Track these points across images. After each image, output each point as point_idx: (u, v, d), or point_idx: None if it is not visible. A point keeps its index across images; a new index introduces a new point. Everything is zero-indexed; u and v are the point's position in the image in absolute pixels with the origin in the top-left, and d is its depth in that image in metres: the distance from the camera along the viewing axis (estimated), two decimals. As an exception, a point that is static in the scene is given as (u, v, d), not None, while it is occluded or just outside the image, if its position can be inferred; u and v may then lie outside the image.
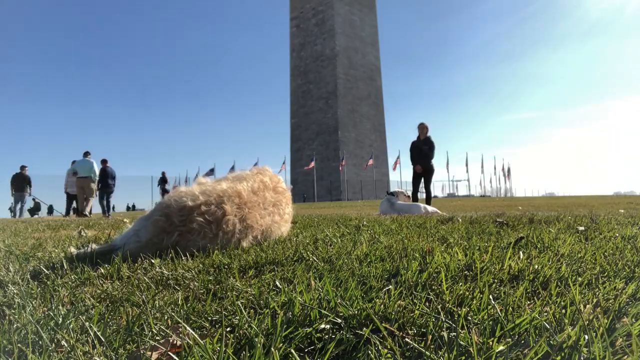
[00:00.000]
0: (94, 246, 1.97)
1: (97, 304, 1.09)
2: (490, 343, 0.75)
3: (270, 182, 2.39)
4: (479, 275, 1.25)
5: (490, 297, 0.99)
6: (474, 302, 1.00)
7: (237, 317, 0.91)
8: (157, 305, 1.05)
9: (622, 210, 5.66)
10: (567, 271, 1.29)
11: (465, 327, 0.85)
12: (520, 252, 1.59)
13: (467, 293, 1.07)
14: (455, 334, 0.80)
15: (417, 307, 0.95)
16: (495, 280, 1.23)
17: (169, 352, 0.75)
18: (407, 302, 0.99)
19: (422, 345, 0.78)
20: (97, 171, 12.72)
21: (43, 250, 2.22)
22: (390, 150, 65.41)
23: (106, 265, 1.56)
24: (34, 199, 22.22)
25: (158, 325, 0.89)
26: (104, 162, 13.43)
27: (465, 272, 1.32)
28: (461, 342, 0.76)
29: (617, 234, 2.20)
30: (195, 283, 1.29)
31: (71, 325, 0.88)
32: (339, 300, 0.97)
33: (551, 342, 0.75)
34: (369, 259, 1.57)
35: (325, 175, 55.79)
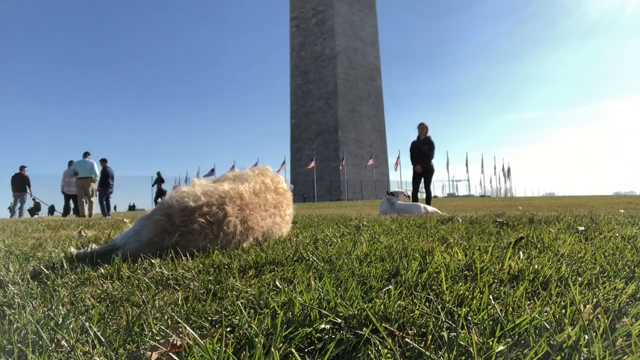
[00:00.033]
0: (94, 246, 1.97)
1: (97, 304, 1.09)
2: (490, 343, 0.75)
3: (271, 183, 2.39)
4: (479, 275, 1.25)
5: (490, 297, 0.99)
6: (474, 302, 1.00)
7: (237, 317, 0.91)
8: (157, 305, 1.05)
9: (622, 210, 5.66)
10: (567, 271, 1.29)
11: (465, 327, 0.85)
12: (520, 252, 1.59)
13: (467, 293, 1.07)
14: (455, 334, 0.80)
15: (417, 307, 0.95)
16: (495, 280, 1.23)
17: (169, 352, 0.75)
18: (407, 302, 0.99)
19: (422, 345, 0.78)
20: (98, 172, 12.75)
21: (43, 250, 2.22)
22: (390, 150, 65.42)
23: (106, 265, 1.56)
24: (34, 199, 22.22)
25: (158, 325, 0.89)
26: (103, 161, 13.43)
27: (465, 272, 1.32)
28: (461, 342, 0.76)
29: (617, 234, 2.20)
30: (195, 283, 1.30)
31: (71, 325, 0.88)
32: (339, 300, 0.97)
33: (551, 342, 0.75)
34: (369, 259, 1.57)
35: (325, 175, 55.79)
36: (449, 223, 3.31)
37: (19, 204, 14.50)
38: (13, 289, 1.24)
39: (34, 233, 3.88)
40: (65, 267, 1.57)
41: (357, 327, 0.86)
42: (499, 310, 0.91)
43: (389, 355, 0.75)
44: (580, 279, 1.22)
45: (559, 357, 0.72)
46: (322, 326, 0.86)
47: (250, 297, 1.09)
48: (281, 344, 0.77)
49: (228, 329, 0.88)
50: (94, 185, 12.64)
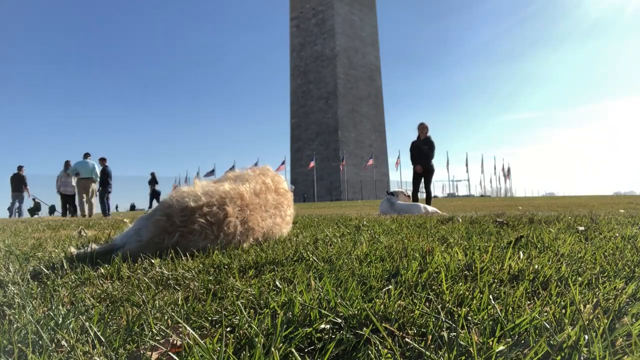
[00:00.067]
0: (94, 246, 1.97)
1: (97, 304, 1.09)
2: (490, 343, 0.75)
3: (272, 183, 2.39)
4: (479, 275, 1.25)
5: (490, 297, 0.99)
6: (474, 302, 1.00)
7: (237, 317, 0.91)
8: (157, 305, 1.05)
9: (622, 210, 5.66)
10: (567, 271, 1.29)
11: (465, 327, 0.85)
12: (520, 252, 1.59)
13: (467, 293, 1.07)
14: (455, 334, 0.80)
15: (417, 307, 0.95)
16: (495, 280, 1.23)
17: (169, 352, 0.75)
18: (407, 302, 0.99)
19: (422, 345, 0.78)
20: (99, 172, 12.81)
21: (43, 250, 2.22)
22: (390, 150, 65.45)
23: (106, 265, 1.56)
24: (34, 199, 22.21)
25: (158, 325, 0.89)
26: (102, 160, 13.45)
27: (465, 272, 1.32)
28: (461, 342, 0.76)
29: (617, 234, 2.20)
30: (195, 283, 1.29)
31: (71, 325, 0.88)
32: (339, 300, 0.97)
33: (551, 342, 0.75)
34: (369, 259, 1.57)
35: (325, 175, 55.79)
36: (449, 223, 3.31)
37: (17, 204, 14.55)
38: (13, 289, 1.24)
39: (34, 233, 3.88)
40: (65, 267, 1.57)
41: (357, 327, 0.86)
42: (499, 310, 0.91)
43: (389, 355, 0.75)
44: (580, 279, 1.22)
45: (559, 357, 0.72)
46: (322, 326, 0.86)
47: (250, 297, 1.09)
48: (281, 344, 0.77)
49: (228, 329, 0.88)
50: (95, 186, 12.70)
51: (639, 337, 0.77)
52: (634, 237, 2.05)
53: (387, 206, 6.83)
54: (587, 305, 0.95)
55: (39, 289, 1.26)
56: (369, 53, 63.37)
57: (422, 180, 8.82)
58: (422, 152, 8.62)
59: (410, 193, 7.81)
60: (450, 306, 0.98)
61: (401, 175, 66.72)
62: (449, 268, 1.34)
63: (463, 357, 0.73)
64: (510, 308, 0.95)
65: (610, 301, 1.00)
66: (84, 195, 12.56)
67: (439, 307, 0.97)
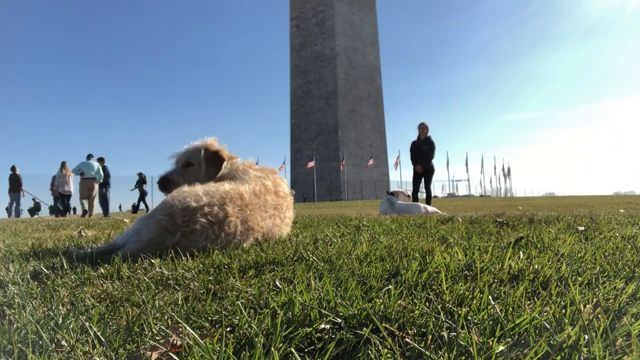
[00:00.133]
0: (94, 246, 1.97)
1: (97, 304, 1.09)
2: (490, 343, 0.75)
3: (272, 185, 2.39)
4: (479, 275, 1.25)
5: (490, 297, 0.99)
6: (474, 302, 1.00)
7: (237, 317, 0.91)
8: (157, 305, 1.05)
9: (622, 210, 5.66)
10: (567, 271, 1.29)
11: (465, 327, 0.85)
12: (520, 252, 1.59)
13: (467, 293, 1.07)
14: (455, 333, 0.80)
15: (417, 307, 0.95)
16: (495, 280, 1.23)
17: (169, 352, 0.75)
18: (407, 302, 0.99)
19: (422, 345, 0.78)
20: (102, 173, 12.92)
21: (43, 250, 2.22)
22: (390, 150, 65.50)
23: (106, 265, 1.56)
24: (34, 199, 22.22)
25: (158, 325, 0.89)
26: (101, 160, 13.50)
27: (465, 272, 1.32)
28: (461, 342, 0.76)
29: (617, 234, 2.20)
30: (195, 283, 1.29)
31: (71, 325, 0.88)
32: (339, 300, 0.97)
33: (551, 342, 0.75)
34: (369, 259, 1.57)
35: (325, 175, 55.81)
36: (449, 223, 3.31)
37: (14, 204, 14.63)
38: (13, 289, 1.24)
39: (34, 233, 3.88)
40: (65, 267, 1.57)
41: (357, 327, 0.86)
42: (499, 310, 0.91)
43: (389, 355, 0.75)
44: (580, 279, 1.22)
45: (559, 357, 0.72)
46: (322, 326, 0.86)
47: (250, 297, 1.09)
48: (281, 344, 0.77)
49: (228, 329, 0.88)
50: (97, 186, 12.78)
51: (638, 337, 0.77)
52: (634, 237, 2.05)
53: (387, 206, 6.83)
54: (587, 305, 0.95)
55: (39, 289, 1.26)
56: (369, 53, 63.38)
57: (422, 180, 8.83)
58: (422, 152, 8.62)
59: (410, 193, 7.81)
60: (450, 306, 0.98)
61: (401, 175, 66.75)
62: (449, 268, 1.34)
63: (463, 357, 0.73)
64: (510, 308, 0.95)
65: (610, 301, 1.00)
66: (86, 195, 12.62)
67: (439, 307, 0.97)
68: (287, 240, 2.25)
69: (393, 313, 0.92)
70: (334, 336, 0.82)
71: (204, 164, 2.48)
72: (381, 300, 0.99)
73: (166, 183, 2.46)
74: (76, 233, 3.50)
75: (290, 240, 2.27)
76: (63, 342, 0.81)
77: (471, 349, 0.73)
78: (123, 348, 0.80)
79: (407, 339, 0.80)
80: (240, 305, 0.98)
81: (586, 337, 0.75)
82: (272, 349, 0.73)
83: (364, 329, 0.84)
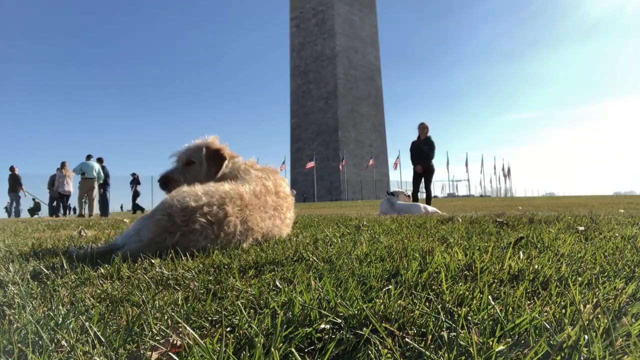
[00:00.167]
0: (94, 246, 1.97)
1: (97, 304, 1.09)
2: (490, 343, 0.75)
3: (272, 186, 2.39)
4: (479, 275, 1.25)
5: (490, 297, 0.99)
6: (474, 302, 1.00)
7: (237, 317, 0.91)
8: (157, 305, 1.05)
9: (622, 210, 5.66)
10: (567, 271, 1.29)
11: (465, 327, 0.85)
12: (520, 252, 1.59)
13: (467, 293, 1.07)
14: (455, 334, 0.80)
15: (417, 307, 0.95)
16: (495, 280, 1.23)
17: (169, 352, 0.75)
18: (407, 302, 0.99)
19: (422, 345, 0.78)
20: (102, 174, 12.97)
21: (43, 250, 2.22)
22: (390, 150, 65.52)
23: (106, 265, 1.56)
24: (34, 199, 22.21)
25: (158, 325, 0.89)
26: (100, 160, 13.54)
27: (465, 272, 1.32)
28: (461, 342, 0.76)
29: (617, 234, 2.20)
30: (195, 283, 1.29)
31: (71, 325, 0.88)
32: (339, 300, 0.97)
33: (551, 342, 0.75)
34: (369, 259, 1.57)
35: (325, 175, 55.81)
36: (449, 223, 3.31)
37: (14, 204, 14.67)
38: (13, 289, 1.23)
39: (34, 233, 3.88)
40: (65, 267, 1.57)
41: (357, 327, 0.86)
42: (499, 310, 0.91)
43: (389, 355, 0.75)
44: (580, 279, 1.22)
45: (559, 357, 0.72)
46: (322, 326, 0.86)
47: (250, 297, 1.09)
48: (281, 344, 0.77)
49: (228, 329, 0.88)
50: (97, 186, 12.83)
51: (638, 337, 0.77)
52: (634, 237, 2.05)
53: (387, 206, 6.83)
54: (587, 305, 0.95)
55: (39, 289, 1.26)
56: (369, 53, 63.38)
57: (422, 180, 8.83)
58: (422, 152, 8.62)
59: (410, 193, 7.82)
60: (450, 306, 0.98)
61: (401, 175, 66.77)
62: (449, 268, 1.34)
63: (463, 357, 0.73)
64: (510, 308, 0.95)
65: (610, 301, 1.00)
66: (86, 195, 12.67)
67: (439, 307, 0.97)
68: (287, 241, 2.25)
69: (393, 313, 0.92)
70: (334, 336, 0.82)
71: (205, 163, 2.48)
72: (381, 301, 0.99)
73: (167, 182, 2.46)
74: (76, 233, 3.50)
75: (290, 240, 2.27)
76: (63, 342, 0.81)
77: (471, 349, 0.73)
78: (123, 348, 0.80)
79: (407, 339, 0.80)
80: (240, 305, 0.98)
81: (586, 337, 0.75)
82: (272, 349, 0.73)
83: (364, 329, 0.84)
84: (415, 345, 0.77)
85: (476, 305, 0.98)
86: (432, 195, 9.17)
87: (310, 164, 46.91)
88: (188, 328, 0.82)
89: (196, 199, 1.96)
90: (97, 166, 12.84)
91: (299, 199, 48.20)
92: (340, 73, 58.09)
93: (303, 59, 62.69)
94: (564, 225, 2.78)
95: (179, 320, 0.91)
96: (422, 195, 9.58)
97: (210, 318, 0.95)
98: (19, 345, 0.78)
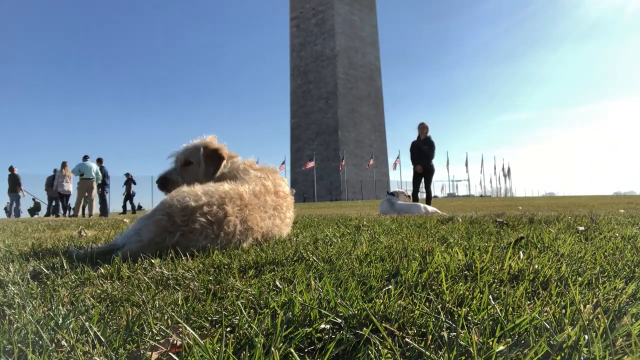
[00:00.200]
0: (94, 246, 1.97)
1: (97, 304, 1.09)
2: (490, 343, 0.75)
3: (272, 186, 2.39)
4: (479, 275, 1.25)
5: (490, 297, 0.99)
6: (474, 302, 1.00)
7: (237, 317, 0.91)
8: (157, 305, 1.05)
9: (622, 210, 5.66)
10: (567, 271, 1.29)
11: (465, 327, 0.85)
12: (520, 252, 1.59)
13: (467, 293, 1.07)
14: (455, 334, 0.80)
15: (417, 307, 0.95)
16: (495, 280, 1.23)
17: (169, 352, 0.75)
18: (407, 302, 0.99)
19: (422, 345, 0.78)
20: (101, 174, 13.00)
21: (43, 250, 2.22)
22: (390, 150, 65.54)
23: (106, 265, 1.56)
24: (34, 199, 22.22)
25: (158, 325, 0.89)
26: (99, 161, 13.56)
27: (465, 272, 1.32)
28: (461, 342, 0.76)
29: (617, 234, 2.20)
30: (195, 283, 1.29)
31: (71, 325, 0.88)
32: (339, 300, 0.97)
33: (551, 342, 0.75)
34: (369, 259, 1.57)
35: (325, 175, 55.82)
36: (449, 223, 3.31)
37: (14, 204, 14.70)
38: (13, 289, 1.23)
39: (34, 233, 3.88)
40: (65, 267, 1.57)
41: (357, 327, 0.86)
42: (499, 310, 0.91)
43: (389, 355, 0.75)
44: (580, 279, 1.22)
45: (559, 357, 0.72)
46: (322, 326, 0.86)
47: (250, 297, 1.09)
48: (281, 344, 0.77)
49: (228, 329, 0.88)
50: (95, 187, 12.85)
51: (639, 337, 0.77)
52: (634, 237, 2.05)
53: (387, 206, 6.83)
54: (587, 305, 0.95)
55: (39, 289, 1.26)
56: (369, 53, 63.38)
57: (422, 180, 8.83)
58: (422, 152, 8.63)
59: (410, 193, 7.82)
60: (450, 306, 0.98)
61: (401, 175, 66.78)
62: (449, 268, 1.34)
63: (463, 357, 0.73)
64: (510, 308, 0.95)
65: (610, 301, 1.00)
66: (85, 196, 12.68)
67: (439, 307, 0.97)
68: (287, 240, 2.25)
69: (393, 313, 0.92)
70: (334, 336, 0.82)
71: (203, 163, 2.48)
72: (381, 301, 0.99)
73: (165, 182, 2.45)
74: (76, 233, 3.50)
75: (290, 240, 2.27)
76: (63, 342, 0.81)
77: (471, 349, 0.73)
78: (123, 348, 0.80)
79: (407, 339, 0.80)
80: (240, 305, 0.98)
81: (586, 337, 0.75)
82: (272, 349, 0.73)
83: (364, 329, 0.84)
84: (415, 345, 0.77)
85: (476, 305, 0.98)
86: (432, 195, 9.17)
87: (310, 164, 46.91)
88: (188, 328, 0.82)
89: (196, 199, 1.96)
90: (95, 166, 12.87)
91: (299, 199, 48.20)
92: (340, 73, 58.10)
93: (303, 59, 62.70)
94: (564, 225, 2.78)
95: (179, 320, 0.90)
96: (422, 195, 9.58)
97: (210, 318, 0.95)
98: (19, 345, 0.78)
